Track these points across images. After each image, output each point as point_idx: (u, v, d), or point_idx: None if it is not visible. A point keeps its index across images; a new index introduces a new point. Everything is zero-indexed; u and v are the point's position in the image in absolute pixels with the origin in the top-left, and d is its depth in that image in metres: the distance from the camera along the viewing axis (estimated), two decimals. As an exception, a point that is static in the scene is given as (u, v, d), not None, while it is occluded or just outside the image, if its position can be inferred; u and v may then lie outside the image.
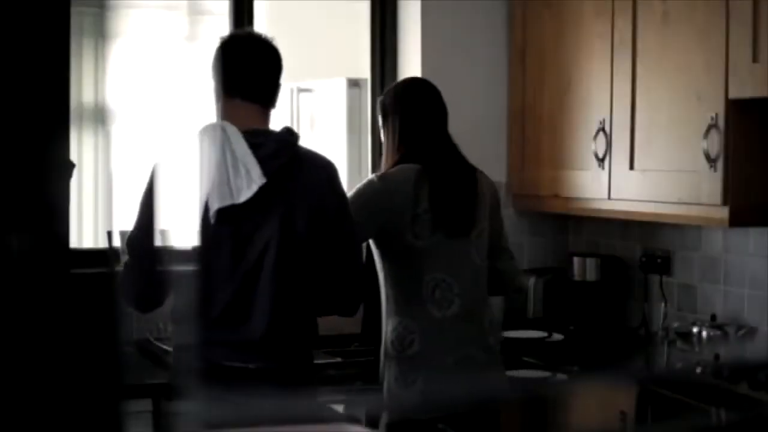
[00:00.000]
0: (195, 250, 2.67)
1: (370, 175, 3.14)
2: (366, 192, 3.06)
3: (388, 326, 3.08)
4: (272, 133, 2.74)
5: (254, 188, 2.62)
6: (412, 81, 3.37)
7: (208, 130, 2.70)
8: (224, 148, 2.64)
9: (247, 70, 2.76)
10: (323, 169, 2.77)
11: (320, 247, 2.73)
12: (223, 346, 2.65)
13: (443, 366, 3.03)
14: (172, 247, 2.71)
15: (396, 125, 3.14)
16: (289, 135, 2.74)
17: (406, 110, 3.14)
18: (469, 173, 3.15)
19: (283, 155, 2.68)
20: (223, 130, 2.67)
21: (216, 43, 2.84)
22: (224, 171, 2.63)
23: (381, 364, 3.10)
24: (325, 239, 2.73)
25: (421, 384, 3.01)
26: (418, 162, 3.08)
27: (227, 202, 2.63)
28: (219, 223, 2.64)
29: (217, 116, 2.78)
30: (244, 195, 2.63)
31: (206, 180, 2.64)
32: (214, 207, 2.63)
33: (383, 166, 3.16)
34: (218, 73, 2.77)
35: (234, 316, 2.66)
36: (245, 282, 2.66)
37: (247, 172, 2.63)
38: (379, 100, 3.26)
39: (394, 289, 3.08)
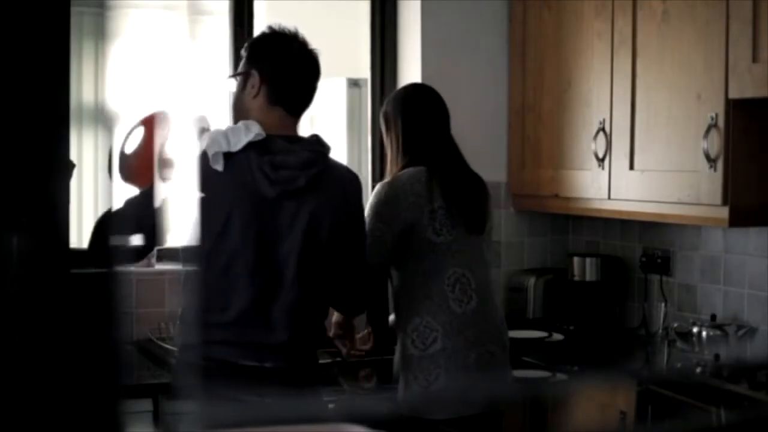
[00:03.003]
0: (211, 240, 2.64)
1: (378, 186, 3.14)
2: (379, 202, 3.08)
3: (408, 326, 3.07)
4: (306, 140, 2.74)
5: (251, 136, 2.63)
6: (412, 87, 3.38)
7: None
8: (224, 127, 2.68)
9: (298, 85, 2.76)
10: (352, 183, 2.79)
11: (336, 256, 2.74)
12: (239, 346, 2.65)
13: (466, 363, 3.04)
14: (182, 246, 2.70)
15: (399, 131, 3.16)
16: (320, 145, 2.74)
17: (407, 116, 3.16)
18: (473, 173, 3.19)
19: (318, 164, 2.69)
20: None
21: (269, 40, 2.78)
22: (221, 131, 2.66)
23: (396, 364, 3.11)
24: (342, 250, 2.75)
25: (443, 382, 3.02)
26: (423, 165, 3.10)
27: (224, 149, 2.62)
28: (245, 225, 2.63)
29: (244, 115, 2.74)
30: (241, 143, 2.62)
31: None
32: (211, 151, 2.62)
33: (388, 175, 3.18)
34: (268, 79, 2.73)
35: (253, 319, 2.65)
36: (266, 285, 2.65)
37: (247, 128, 2.65)
38: (381, 110, 3.27)
39: (414, 288, 3.08)
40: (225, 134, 2.64)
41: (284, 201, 2.64)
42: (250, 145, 2.63)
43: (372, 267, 3.05)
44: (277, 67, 2.74)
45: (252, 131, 2.64)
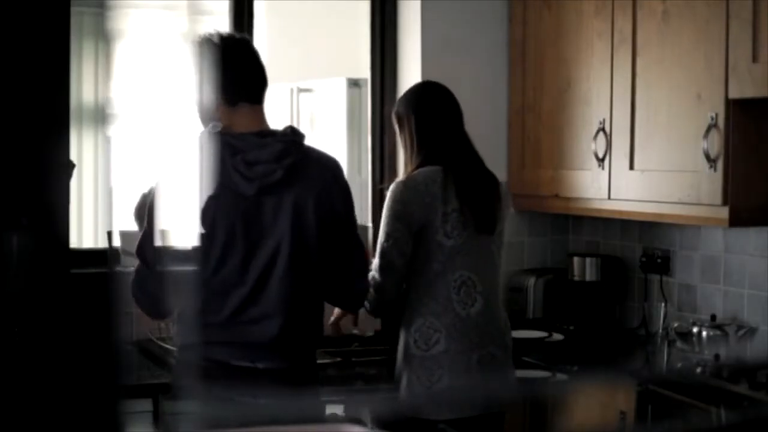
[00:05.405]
0: (199, 245, 2.66)
1: (393, 185, 3.13)
2: (395, 201, 3.07)
3: (411, 326, 3.07)
4: (278, 132, 2.75)
5: (209, 128, 2.70)
6: (423, 85, 3.38)
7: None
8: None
9: (249, 75, 2.77)
10: (330, 168, 2.79)
11: (328, 245, 2.74)
12: (232, 345, 2.65)
13: (468, 364, 3.03)
14: (173, 247, 2.71)
15: (412, 130, 3.15)
16: (294, 135, 2.75)
17: (420, 113, 3.15)
18: (489, 172, 3.18)
19: (293, 154, 2.69)
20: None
21: (198, 51, 2.78)
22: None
23: (398, 364, 3.10)
24: (333, 238, 2.74)
25: (446, 382, 3.02)
26: (439, 163, 3.09)
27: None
28: (230, 226, 2.64)
29: (215, 122, 2.75)
30: (206, 137, 2.71)
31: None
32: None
33: (402, 173, 3.17)
34: (219, 82, 2.74)
35: (245, 316, 2.66)
36: (257, 282, 2.66)
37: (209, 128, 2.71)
38: (393, 110, 3.27)
39: (419, 288, 3.08)
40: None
41: (265, 196, 2.66)
42: (225, 148, 2.65)
43: (396, 268, 3.06)
44: (223, 67, 2.74)
45: (210, 127, 2.70)
